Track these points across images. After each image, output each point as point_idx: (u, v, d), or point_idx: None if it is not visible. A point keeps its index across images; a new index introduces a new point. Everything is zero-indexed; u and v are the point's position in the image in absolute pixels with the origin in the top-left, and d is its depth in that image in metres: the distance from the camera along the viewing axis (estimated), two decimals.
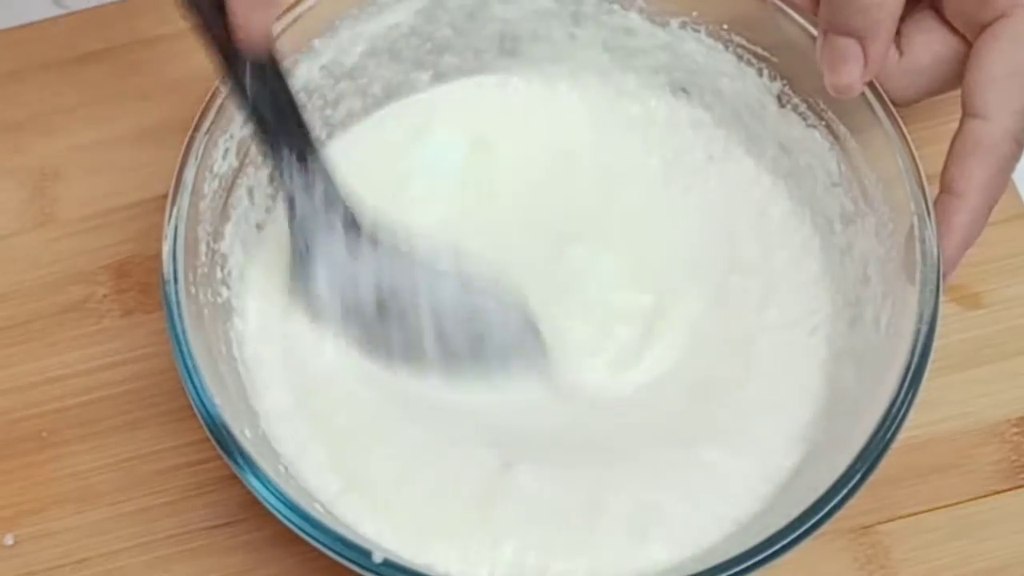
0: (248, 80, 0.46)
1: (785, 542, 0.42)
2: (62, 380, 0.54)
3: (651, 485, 0.47)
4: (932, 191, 0.47)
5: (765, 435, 0.48)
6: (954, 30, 0.49)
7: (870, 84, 0.48)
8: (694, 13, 0.53)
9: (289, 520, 0.42)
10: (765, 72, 0.53)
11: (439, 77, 0.56)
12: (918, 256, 0.46)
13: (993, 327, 0.53)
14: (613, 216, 0.54)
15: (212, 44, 0.45)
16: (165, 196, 0.47)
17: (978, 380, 0.52)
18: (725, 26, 0.53)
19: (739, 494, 0.47)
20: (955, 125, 0.48)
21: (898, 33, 0.49)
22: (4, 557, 0.51)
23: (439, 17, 0.54)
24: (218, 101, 0.48)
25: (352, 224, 0.49)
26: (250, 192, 0.51)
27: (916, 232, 0.46)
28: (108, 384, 0.54)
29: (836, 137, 0.50)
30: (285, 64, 0.50)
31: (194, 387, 0.44)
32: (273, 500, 0.42)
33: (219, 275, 0.49)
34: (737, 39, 0.53)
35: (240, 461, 0.43)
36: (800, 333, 0.50)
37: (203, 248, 0.48)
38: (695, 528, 0.46)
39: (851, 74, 0.47)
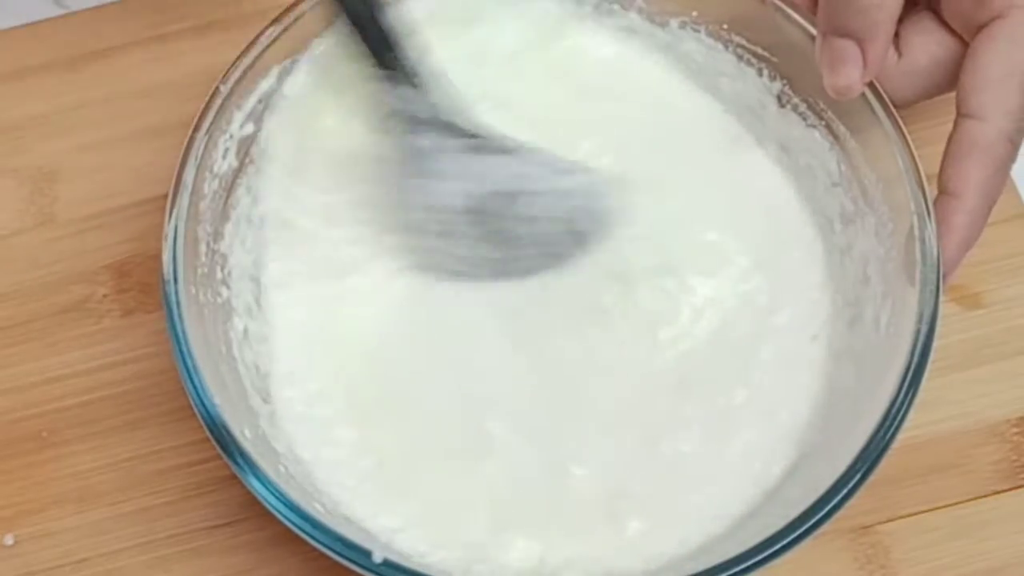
0: None
1: (785, 542, 0.42)
2: (62, 380, 0.54)
3: (630, 477, 0.48)
4: (932, 191, 0.47)
5: (761, 435, 0.48)
6: (952, 31, 0.49)
7: (870, 84, 0.48)
8: (694, 13, 0.53)
9: (289, 520, 0.42)
10: (765, 72, 0.53)
11: None
12: (918, 256, 0.46)
13: (993, 327, 0.53)
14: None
15: None
16: (165, 196, 0.47)
17: (978, 380, 0.52)
18: (725, 26, 0.53)
19: (730, 493, 0.47)
20: None
21: (896, 34, 0.49)
22: (4, 557, 0.51)
23: None
24: (218, 101, 0.48)
25: (457, 131, 0.50)
26: (250, 191, 0.51)
27: (916, 232, 0.46)
28: (108, 384, 0.53)
29: (836, 137, 0.50)
30: (285, 64, 0.51)
31: (194, 387, 0.44)
32: (273, 500, 0.42)
33: (219, 275, 0.49)
34: (737, 39, 0.53)
35: (240, 461, 0.43)
36: (803, 336, 0.50)
37: (203, 248, 0.48)
38: (678, 524, 0.46)
39: (850, 75, 0.47)
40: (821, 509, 0.42)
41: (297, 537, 0.42)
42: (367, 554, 0.42)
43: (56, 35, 0.61)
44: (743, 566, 0.42)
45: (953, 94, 0.48)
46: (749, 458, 0.48)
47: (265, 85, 0.50)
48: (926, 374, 0.44)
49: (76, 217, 0.57)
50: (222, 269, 0.49)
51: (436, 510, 0.47)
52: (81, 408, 0.53)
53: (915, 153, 0.47)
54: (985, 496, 0.51)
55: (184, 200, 0.47)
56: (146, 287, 0.55)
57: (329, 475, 0.48)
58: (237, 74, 0.49)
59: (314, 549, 0.42)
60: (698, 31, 0.53)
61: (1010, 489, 0.51)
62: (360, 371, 0.50)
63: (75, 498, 0.52)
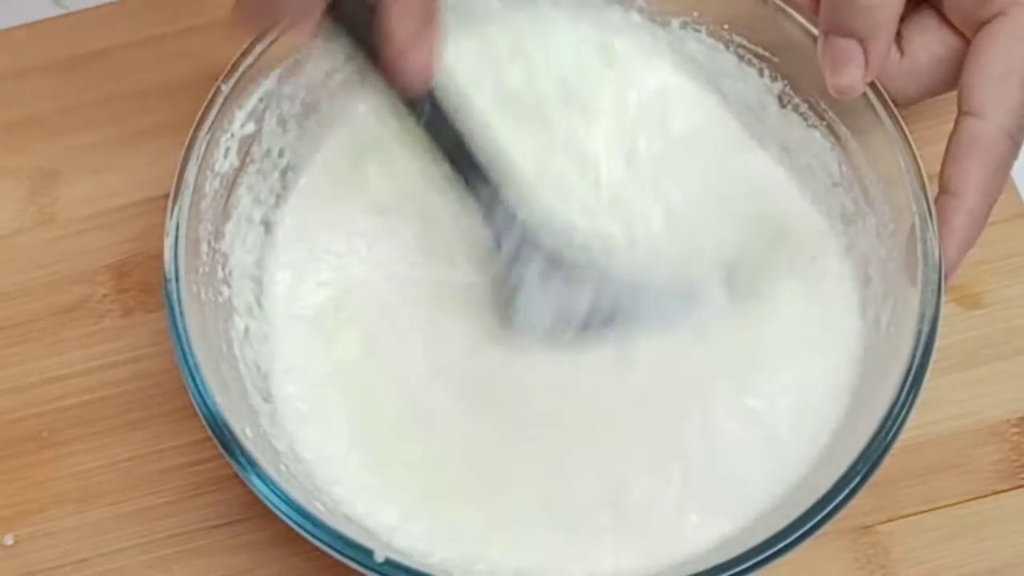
0: (427, 118, 0.46)
1: (786, 542, 0.42)
2: (62, 380, 0.54)
3: (632, 478, 0.48)
4: (933, 191, 0.47)
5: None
6: (955, 30, 0.49)
7: (871, 84, 0.48)
8: (695, 13, 0.53)
9: (291, 519, 0.42)
10: (766, 72, 0.53)
11: None
12: (919, 256, 0.46)
13: (993, 327, 0.53)
14: None
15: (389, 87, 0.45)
16: (165, 196, 0.47)
17: (978, 380, 0.52)
18: (726, 26, 0.53)
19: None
20: None
21: (899, 33, 0.49)
22: (4, 557, 0.51)
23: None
24: (219, 101, 0.48)
25: (543, 248, 0.49)
26: (251, 191, 0.51)
27: (917, 232, 0.46)
28: (108, 384, 0.53)
29: (837, 137, 0.50)
30: (285, 64, 0.51)
31: (196, 385, 0.44)
32: (275, 499, 0.42)
33: (220, 274, 0.49)
34: (738, 39, 0.53)
35: (242, 460, 0.43)
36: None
37: (204, 247, 0.48)
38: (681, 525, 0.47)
39: (852, 75, 0.47)
40: (822, 510, 0.42)
41: (298, 537, 0.42)
42: (369, 553, 0.42)
43: (56, 35, 0.61)
44: (744, 566, 0.42)
45: (954, 93, 0.48)
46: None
47: (266, 84, 0.50)
48: (927, 375, 0.44)
49: (76, 217, 0.57)
50: (223, 268, 0.49)
51: (436, 509, 0.47)
52: (81, 408, 0.53)
53: (916, 153, 0.47)
54: (985, 496, 0.51)
55: (186, 199, 0.47)
56: (146, 287, 0.55)
57: (329, 474, 0.48)
58: (239, 73, 0.49)
59: (315, 549, 0.42)
60: (699, 31, 0.53)
61: (1010, 489, 0.51)
62: (360, 371, 0.50)
63: (75, 498, 0.52)
